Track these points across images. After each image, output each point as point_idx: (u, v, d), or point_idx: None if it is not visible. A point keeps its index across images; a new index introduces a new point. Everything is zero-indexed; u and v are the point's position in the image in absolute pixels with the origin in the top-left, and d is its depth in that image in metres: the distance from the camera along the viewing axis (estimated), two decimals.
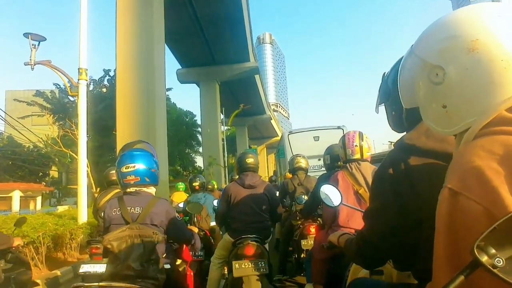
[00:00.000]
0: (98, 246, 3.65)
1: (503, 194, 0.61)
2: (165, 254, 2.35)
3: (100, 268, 3.53)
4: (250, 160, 3.78)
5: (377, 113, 1.45)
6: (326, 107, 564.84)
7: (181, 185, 7.73)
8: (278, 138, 49.26)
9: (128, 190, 2.34)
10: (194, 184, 5.67)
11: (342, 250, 1.60)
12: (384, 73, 1.45)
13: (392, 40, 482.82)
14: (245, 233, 3.41)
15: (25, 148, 32.96)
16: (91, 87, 24.67)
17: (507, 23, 0.75)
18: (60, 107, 24.70)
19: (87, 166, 8.43)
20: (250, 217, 3.55)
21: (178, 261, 2.76)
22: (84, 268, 3.65)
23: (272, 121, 53.50)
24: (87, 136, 24.10)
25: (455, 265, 0.64)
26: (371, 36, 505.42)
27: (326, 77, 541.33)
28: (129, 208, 2.27)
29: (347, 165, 2.76)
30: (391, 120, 1.40)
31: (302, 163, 5.04)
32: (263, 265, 3.20)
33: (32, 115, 25.31)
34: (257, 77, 34.01)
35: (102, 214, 2.55)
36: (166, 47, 27.32)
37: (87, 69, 6.74)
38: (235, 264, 3.18)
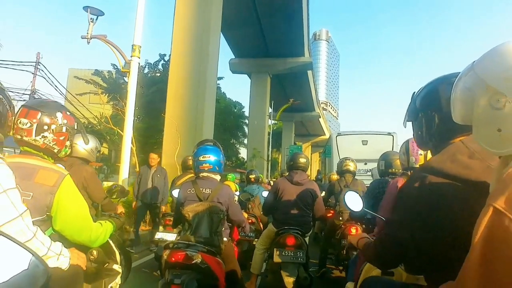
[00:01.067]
0: (170, 219, 4.38)
1: None
2: (224, 230, 2.96)
3: (170, 236, 4.34)
4: (302, 160, 4.13)
5: (405, 127, 1.57)
6: (377, 113, 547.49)
7: (230, 176, 8.13)
8: (325, 137, 48.37)
9: (201, 175, 3.02)
10: (250, 176, 6.72)
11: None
12: (414, 92, 1.51)
13: (456, 51, 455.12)
14: (288, 225, 3.77)
15: None
16: (146, 70, 25.35)
17: None
18: (115, 87, 25.66)
19: (133, 145, 8.63)
20: (294, 210, 3.88)
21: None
22: (159, 235, 4.63)
23: (320, 120, 52.39)
24: (137, 118, 25.05)
25: (485, 276, 0.74)
26: (434, 47, 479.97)
27: (382, 84, 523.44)
28: (201, 189, 2.90)
29: (408, 172, 2.73)
30: (417, 138, 1.50)
31: (351, 166, 5.19)
32: (301, 255, 3.54)
33: (90, 93, 26.63)
34: (309, 73, 33.27)
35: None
36: (221, 35, 27.65)
37: (140, 46, 6.69)
38: (276, 251, 3.55)
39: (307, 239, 3.89)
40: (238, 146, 40.26)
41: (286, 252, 3.55)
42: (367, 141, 12.36)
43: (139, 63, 7.00)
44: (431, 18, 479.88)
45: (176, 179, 5.36)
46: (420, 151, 2.65)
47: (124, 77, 25.60)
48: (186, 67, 12.47)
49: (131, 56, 6.74)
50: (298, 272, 3.54)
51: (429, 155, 2.33)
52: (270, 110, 30.83)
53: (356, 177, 5.48)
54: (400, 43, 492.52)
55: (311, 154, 63.54)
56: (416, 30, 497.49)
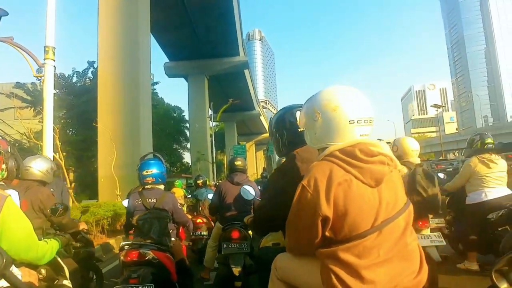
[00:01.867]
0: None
1: (320, 196, 1.22)
2: (171, 231, 3.42)
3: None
4: (238, 163, 4.67)
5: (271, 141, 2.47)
6: None
7: (177, 182, 8.96)
8: (267, 135, 48.95)
9: (146, 187, 3.39)
10: (198, 182, 7.33)
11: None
12: (271, 117, 2.21)
13: (384, 42, 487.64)
14: (232, 221, 4.20)
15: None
16: (74, 79, 23.64)
17: (350, 101, 1.33)
18: (41, 99, 23.68)
19: (60, 159, 8.57)
20: (237, 208, 4.30)
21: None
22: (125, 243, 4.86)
23: (261, 118, 52.97)
24: (70, 130, 23.29)
25: (293, 223, 1.36)
26: (361, 40, 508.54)
27: (316, 76, 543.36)
28: (147, 199, 3.31)
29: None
30: (275, 149, 2.03)
31: None
32: (246, 246, 3.95)
33: (13, 108, 24.23)
34: (246, 72, 33.44)
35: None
36: (153, 38, 26.73)
37: (54, 48, 6.04)
38: (224, 245, 3.97)
39: (250, 232, 4.22)
40: (181, 151, 39.39)
41: (232, 244, 3.96)
42: None
43: (54, 67, 6.36)
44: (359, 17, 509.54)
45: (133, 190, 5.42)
46: None
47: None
48: (115, 72, 11.74)
49: (44, 60, 6.11)
50: (245, 261, 3.94)
51: None
52: (211, 112, 30.48)
53: None
54: (331, 39, 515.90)
55: (255, 153, 64.00)
56: (346, 28, 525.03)
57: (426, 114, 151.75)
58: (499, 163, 4.02)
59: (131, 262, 2.83)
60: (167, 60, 29.71)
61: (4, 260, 1.54)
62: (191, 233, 5.59)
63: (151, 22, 23.29)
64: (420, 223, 3.27)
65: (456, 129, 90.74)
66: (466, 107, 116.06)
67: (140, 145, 11.74)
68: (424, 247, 2.53)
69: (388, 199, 1.26)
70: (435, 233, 3.33)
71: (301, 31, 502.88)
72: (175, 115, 40.01)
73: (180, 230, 4.08)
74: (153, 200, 3.32)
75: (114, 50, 11.96)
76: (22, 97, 23.84)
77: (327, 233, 1.26)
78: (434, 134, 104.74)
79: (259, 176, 28.73)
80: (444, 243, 3.30)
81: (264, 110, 71.40)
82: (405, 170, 3.30)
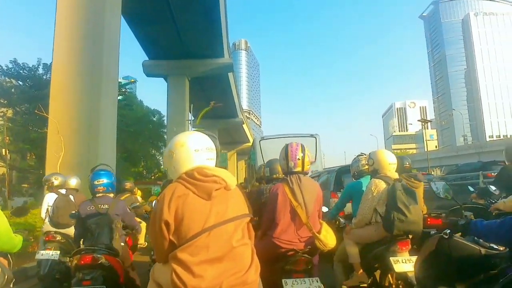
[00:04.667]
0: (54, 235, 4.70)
1: (164, 206, 1.59)
2: (120, 237, 3.64)
3: (54, 255, 4.51)
4: None
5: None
6: (298, 118, 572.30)
7: (155, 189, 9.51)
8: (249, 144, 47.43)
9: (97, 195, 3.69)
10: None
11: None
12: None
13: (368, 58, 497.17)
14: None
15: None
16: (40, 71, 21.16)
17: (193, 137, 1.75)
18: (1, 92, 21.05)
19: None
20: None
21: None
22: (41, 255, 4.55)
23: (244, 126, 51.41)
24: (32, 127, 20.73)
25: (154, 241, 1.70)
26: (345, 55, 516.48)
27: (301, 90, 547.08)
28: (100, 205, 3.60)
29: (288, 177, 2.96)
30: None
31: (279, 172, 5.33)
32: None
33: None
34: (230, 75, 31.78)
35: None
36: (132, 35, 24.84)
37: None
38: None
39: None
40: (160, 157, 37.36)
41: None
42: None
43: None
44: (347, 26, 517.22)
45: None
46: (298, 156, 2.96)
47: (12, 79, 21.42)
48: (73, 52, 9.77)
49: None
50: None
51: (306, 160, 2.97)
52: (191, 116, 28.58)
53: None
54: (314, 51, 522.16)
55: (237, 162, 62.28)
56: (330, 40, 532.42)
57: (407, 131, 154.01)
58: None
59: (84, 266, 3.11)
60: (146, 58, 27.73)
61: (6, 277, 1.96)
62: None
63: (130, 14, 21.67)
64: (399, 244, 3.01)
65: (436, 147, 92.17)
66: (446, 125, 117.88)
67: (98, 143, 9.75)
68: (405, 272, 2.81)
69: (218, 209, 1.61)
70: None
71: (286, 43, 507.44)
72: (154, 119, 38.14)
73: (128, 237, 4.52)
74: (106, 206, 3.58)
75: (73, 27, 10.02)
76: None
77: (172, 238, 1.57)
78: (414, 151, 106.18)
79: None
80: None
81: (248, 120, 69.96)
82: (383, 185, 3.09)
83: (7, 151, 19.91)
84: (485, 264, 1.80)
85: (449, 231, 1.96)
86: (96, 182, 3.65)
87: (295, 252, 2.74)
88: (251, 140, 52.56)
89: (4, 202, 21.02)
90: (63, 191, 4.98)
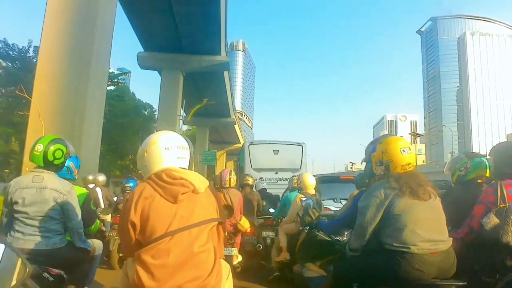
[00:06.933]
0: None
1: (132, 206, 1.62)
2: None
3: None
4: None
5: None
6: (289, 123, 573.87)
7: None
8: (239, 145, 47.09)
9: None
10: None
11: None
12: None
13: (364, 71, 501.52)
14: None
15: None
16: (31, 53, 20.50)
17: (164, 135, 1.77)
18: None
19: None
20: None
21: None
22: None
23: (236, 126, 51.01)
24: (19, 110, 20.00)
25: (122, 238, 1.81)
26: (340, 64, 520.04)
27: (294, 95, 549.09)
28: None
29: (222, 190, 4.97)
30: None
31: (250, 181, 6.54)
32: None
33: None
34: (226, 74, 31.38)
35: None
36: (129, 24, 24.30)
37: None
38: None
39: None
40: None
41: None
42: (278, 150, 12.83)
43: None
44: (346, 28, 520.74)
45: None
46: (227, 178, 5.13)
47: (0, 60, 20.64)
48: (62, 32, 9.27)
49: None
50: None
51: (232, 180, 5.23)
52: (183, 112, 28.03)
53: (267, 185, 8.46)
54: (313, 56, 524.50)
55: (226, 162, 61.79)
56: (331, 45, 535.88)
57: None
58: None
59: None
60: (142, 50, 27.17)
61: (27, 271, 1.61)
62: None
63: (127, 3, 21.12)
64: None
65: (423, 161, 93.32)
66: (435, 141, 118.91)
67: (83, 130, 9.27)
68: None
69: (183, 213, 1.62)
70: None
71: (284, 52, 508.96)
72: (145, 112, 37.53)
73: None
74: None
75: (65, 8, 9.50)
76: None
77: (138, 237, 1.62)
78: None
79: None
80: None
81: (240, 121, 69.52)
82: (302, 197, 4.55)
83: None
84: (332, 249, 2.82)
85: (308, 227, 3.10)
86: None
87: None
88: (242, 142, 52.28)
89: None
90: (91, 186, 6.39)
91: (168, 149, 1.71)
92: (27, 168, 10.33)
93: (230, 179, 4.98)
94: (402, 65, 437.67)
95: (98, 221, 3.60)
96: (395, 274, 2.05)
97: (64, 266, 2.52)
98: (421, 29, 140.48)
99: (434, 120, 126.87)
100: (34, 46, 20.19)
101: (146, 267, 1.51)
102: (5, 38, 20.05)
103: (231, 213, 3.91)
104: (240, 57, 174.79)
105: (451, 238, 2.20)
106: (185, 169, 1.77)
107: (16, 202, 2.51)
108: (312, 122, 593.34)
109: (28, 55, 20.28)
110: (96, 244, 3.12)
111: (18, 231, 2.50)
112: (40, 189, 2.54)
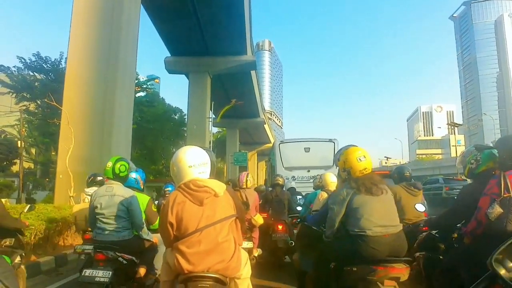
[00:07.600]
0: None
1: (169, 210, 2.09)
2: None
3: None
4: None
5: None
6: (320, 121, 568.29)
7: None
8: (271, 145, 46.77)
9: None
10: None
11: None
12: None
13: (394, 62, 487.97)
14: None
15: None
16: (63, 64, 21.13)
17: (188, 154, 2.17)
18: (25, 86, 21.14)
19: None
20: None
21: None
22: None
23: (266, 126, 50.66)
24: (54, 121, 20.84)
25: (161, 233, 2.28)
26: (370, 67, 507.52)
27: (324, 92, 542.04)
28: None
29: (240, 190, 5.53)
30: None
31: (280, 181, 6.71)
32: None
33: None
34: (253, 73, 31.14)
35: None
36: (154, 29, 24.61)
37: None
38: None
39: None
40: None
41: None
42: (309, 148, 12.73)
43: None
44: (369, 28, 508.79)
45: None
46: (244, 180, 5.74)
47: (35, 72, 21.53)
48: (89, 40, 9.34)
49: None
50: None
51: (249, 182, 5.92)
52: (212, 114, 28.08)
53: (299, 184, 9.25)
54: (343, 58, 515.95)
55: (257, 163, 61.66)
56: (358, 41, 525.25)
57: (432, 135, 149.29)
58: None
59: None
60: (168, 55, 27.45)
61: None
62: None
63: (152, 9, 21.38)
64: None
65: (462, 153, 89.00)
66: (474, 131, 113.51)
67: (112, 137, 9.30)
68: None
69: (208, 213, 2.06)
70: None
71: (312, 48, 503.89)
72: (176, 117, 37.99)
73: None
74: None
75: (90, 14, 9.58)
76: (3, 81, 21.55)
77: (175, 233, 2.07)
78: (440, 156, 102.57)
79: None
80: None
81: (269, 121, 69.25)
82: (325, 195, 4.60)
83: (22, 144, 19.90)
84: (320, 238, 3.17)
85: (299, 220, 4.39)
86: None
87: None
88: (272, 141, 51.92)
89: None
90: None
91: (191, 167, 2.14)
92: (61, 176, 10.60)
93: (246, 181, 5.63)
94: (435, 54, 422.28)
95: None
96: (358, 253, 2.63)
97: (134, 253, 3.37)
98: (453, 15, 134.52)
99: (473, 109, 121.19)
100: (65, 58, 20.81)
101: (183, 255, 1.97)
102: (38, 51, 20.80)
103: (247, 208, 5.02)
104: (266, 56, 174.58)
105: (401, 224, 2.83)
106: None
107: (96, 207, 3.36)
108: (343, 118, 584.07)
109: (60, 66, 20.93)
110: (158, 237, 3.59)
111: (99, 227, 3.36)
112: (111, 196, 3.39)
